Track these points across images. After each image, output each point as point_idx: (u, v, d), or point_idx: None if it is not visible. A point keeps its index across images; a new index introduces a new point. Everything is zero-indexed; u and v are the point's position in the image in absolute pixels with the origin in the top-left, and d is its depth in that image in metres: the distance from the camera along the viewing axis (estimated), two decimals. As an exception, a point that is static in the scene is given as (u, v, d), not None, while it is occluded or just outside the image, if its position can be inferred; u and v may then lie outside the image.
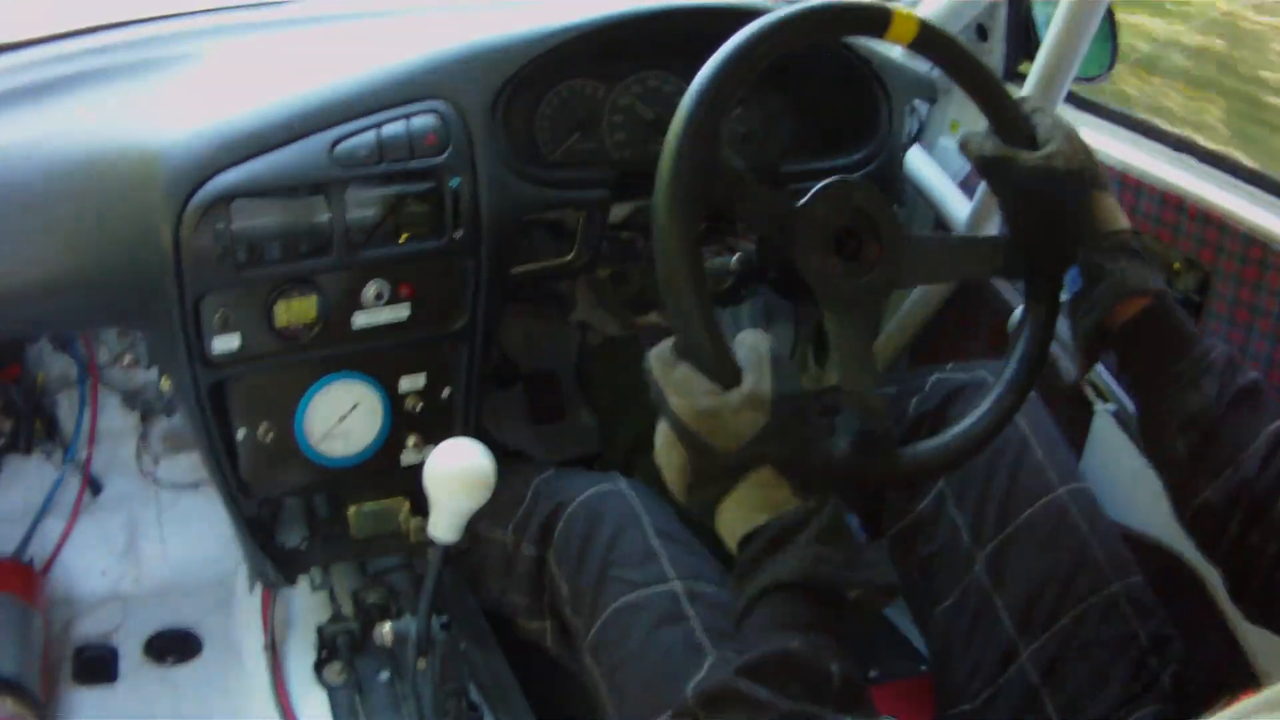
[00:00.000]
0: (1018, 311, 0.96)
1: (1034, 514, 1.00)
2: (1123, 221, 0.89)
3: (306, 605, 1.42)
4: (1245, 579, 0.84)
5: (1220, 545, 0.84)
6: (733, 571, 0.76)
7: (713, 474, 0.75)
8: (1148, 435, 0.89)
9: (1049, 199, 0.88)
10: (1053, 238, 0.89)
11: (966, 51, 0.92)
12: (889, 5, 0.88)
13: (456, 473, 1.06)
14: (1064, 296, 0.90)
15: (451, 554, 1.13)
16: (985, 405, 0.91)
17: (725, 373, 0.75)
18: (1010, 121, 0.92)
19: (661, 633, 0.97)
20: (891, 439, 0.84)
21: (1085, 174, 0.89)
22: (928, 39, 0.90)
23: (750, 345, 0.77)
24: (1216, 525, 0.84)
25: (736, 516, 0.75)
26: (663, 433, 0.78)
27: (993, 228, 1.29)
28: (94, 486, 1.61)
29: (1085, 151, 0.91)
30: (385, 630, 1.24)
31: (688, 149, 0.79)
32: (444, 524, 1.09)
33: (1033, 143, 0.92)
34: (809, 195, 0.86)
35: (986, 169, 0.92)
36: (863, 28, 0.89)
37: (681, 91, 0.83)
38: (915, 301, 1.51)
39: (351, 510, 1.23)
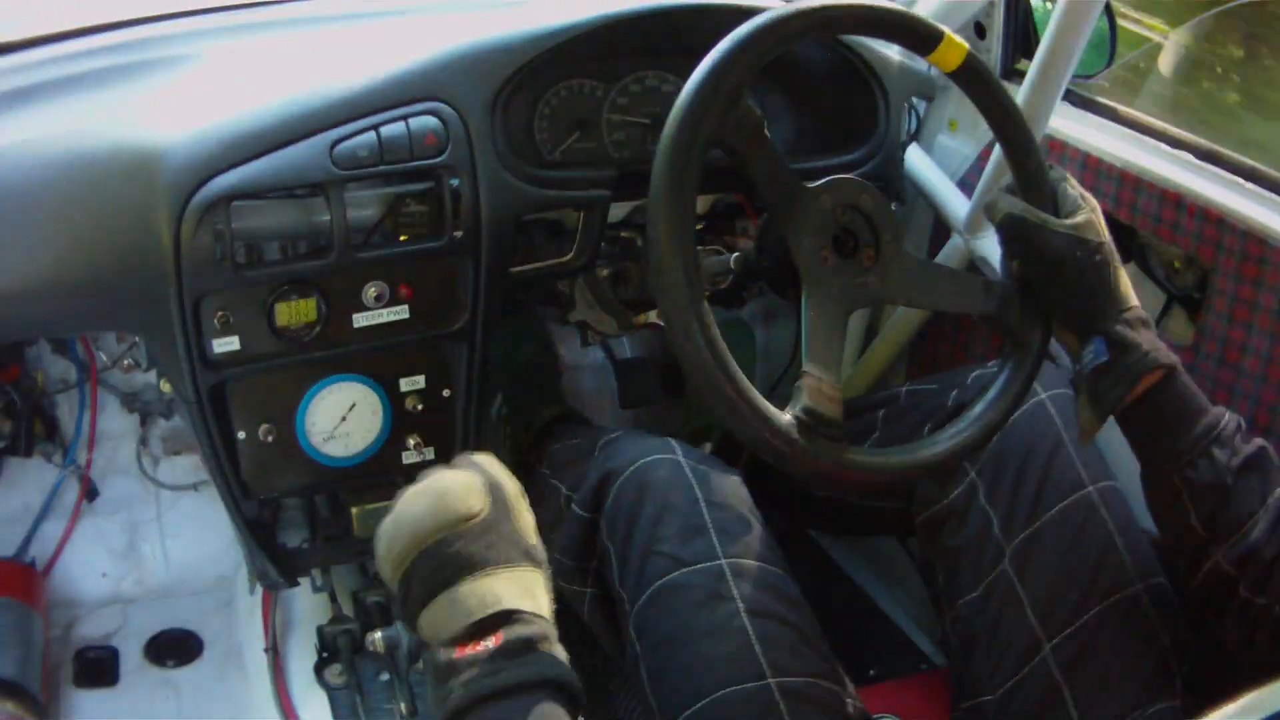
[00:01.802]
0: None
1: (1063, 510, 1.01)
2: (1134, 298, 0.91)
3: (307, 606, 1.42)
4: (1252, 637, 0.87)
5: (1230, 607, 0.87)
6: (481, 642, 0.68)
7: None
8: (1158, 503, 0.91)
9: (1073, 268, 0.89)
10: (1070, 305, 0.90)
11: (1008, 99, 0.91)
12: (941, 27, 0.87)
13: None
14: (1086, 366, 0.90)
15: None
16: (948, 433, 0.91)
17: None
18: (1037, 184, 0.92)
19: (703, 615, 0.96)
20: (838, 428, 0.83)
21: (1107, 249, 0.91)
22: (971, 73, 0.89)
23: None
24: (1226, 589, 0.87)
25: (512, 589, 0.70)
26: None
27: (989, 228, 1.29)
28: (94, 489, 1.61)
29: (1105, 227, 0.92)
30: (376, 638, 1.16)
31: (721, 70, 0.79)
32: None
33: (1055, 209, 0.92)
34: (820, 181, 0.86)
35: (1011, 229, 0.91)
36: (911, 41, 0.88)
37: (680, 91, 0.83)
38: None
39: (355, 510, 1.23)
